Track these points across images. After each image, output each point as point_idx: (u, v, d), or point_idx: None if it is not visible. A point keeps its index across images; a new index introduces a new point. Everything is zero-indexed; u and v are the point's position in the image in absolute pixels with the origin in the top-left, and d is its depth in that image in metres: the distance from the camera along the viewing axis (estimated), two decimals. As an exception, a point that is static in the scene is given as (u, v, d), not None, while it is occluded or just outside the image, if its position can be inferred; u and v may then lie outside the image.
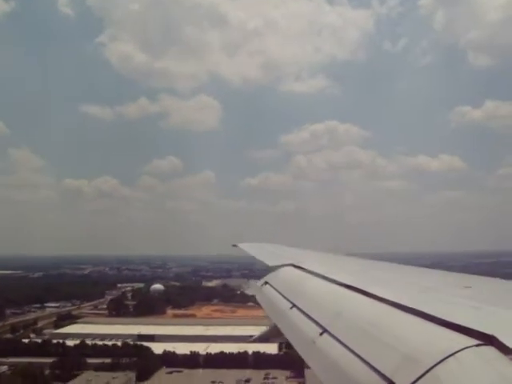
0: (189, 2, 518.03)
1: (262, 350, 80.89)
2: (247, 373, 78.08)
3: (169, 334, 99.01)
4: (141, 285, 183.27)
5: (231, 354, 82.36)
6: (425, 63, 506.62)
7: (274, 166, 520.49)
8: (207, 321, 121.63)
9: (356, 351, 2.77)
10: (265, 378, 77.07)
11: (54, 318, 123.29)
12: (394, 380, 2.27)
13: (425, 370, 2.15)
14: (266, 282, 6.24)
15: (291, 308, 4.50)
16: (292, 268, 6.41)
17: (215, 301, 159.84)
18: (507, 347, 2.07)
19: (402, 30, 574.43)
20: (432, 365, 2.15)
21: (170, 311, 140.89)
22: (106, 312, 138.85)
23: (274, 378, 77.31)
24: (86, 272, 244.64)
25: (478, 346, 2.18)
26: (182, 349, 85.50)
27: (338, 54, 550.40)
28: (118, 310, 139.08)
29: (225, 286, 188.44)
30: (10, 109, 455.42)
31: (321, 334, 3.40)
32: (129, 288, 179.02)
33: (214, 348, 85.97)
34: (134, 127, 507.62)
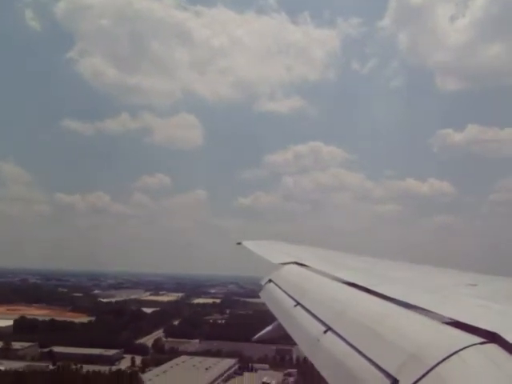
0: (153, 18, 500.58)
1: None
2: None
3: None
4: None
5: None
6: (395, 85, 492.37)
7: (263, 186, 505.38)
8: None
9: (360, 349, 2.77)
10: None
11: None
12: (399, 378, 2.28)
13: (429, 368, 2.15)
14: (270, 280, 6.25)
15: (295, 306, 4.51)
16: (296, 266, 6.41)
17: (43, 304, 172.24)
18: (511, 345, 2.07)
19: (368, 51, 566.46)
20: (436, 363, 2.15)
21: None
22: None
23: None
24: (6, 279, 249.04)
25: (481, 343, 2.18)
26: None
27: (308, 73, 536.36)
28: None
29: (89, 294, 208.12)
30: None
31: (325, 331, 3.41)
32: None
33: None
34: (118, 143, 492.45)
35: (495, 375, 1.97)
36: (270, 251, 8.92)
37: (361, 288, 4.02)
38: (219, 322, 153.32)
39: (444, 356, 2.16)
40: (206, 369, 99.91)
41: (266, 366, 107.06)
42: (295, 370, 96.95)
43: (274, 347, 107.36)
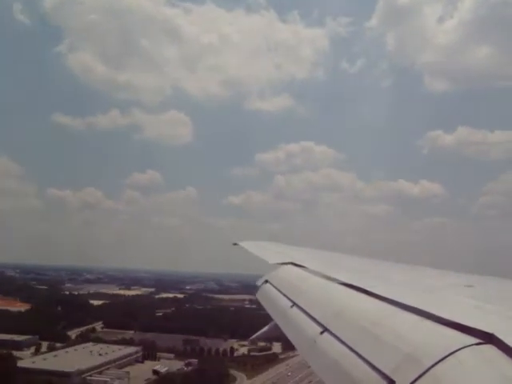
0: (142, 14, 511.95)
1: None
2: None
3: None
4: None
5: None
6: (384, 85, 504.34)
7: (254, 185, 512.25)
8: None
9: (356, 350, 2.77)
10: None
11: None
12: (395, 379, 2.28)
13: (425, 368, 2.15)
14: (267, 281, 6.24)
15: (292, 307, 4.50)
16: (292, 266, 6.40)
17: (0, 295, 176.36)
18: (507, 346, 2.07)
19: (357, 50, 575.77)
20: (432, 363, 2.15)
21: None
22: None
23: None
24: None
25: (477, 344, 2.18)
26: None
27: (297, 72, 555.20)
28: None
29: (52, 286, 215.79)
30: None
31: (321, 332, 3.40)
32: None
33: None
34: (109, 139, 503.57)
35: (491, 376, 1.96)
36: (267, 252, 8.91)
37: (358, 289, 4.01)
38: (158, 314, 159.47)
39: (440, 357, 2.16)
40: (100, 354, 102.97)
41: (172, 355, 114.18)
42: (196, 360, 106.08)
43: (182, 338, 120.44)
